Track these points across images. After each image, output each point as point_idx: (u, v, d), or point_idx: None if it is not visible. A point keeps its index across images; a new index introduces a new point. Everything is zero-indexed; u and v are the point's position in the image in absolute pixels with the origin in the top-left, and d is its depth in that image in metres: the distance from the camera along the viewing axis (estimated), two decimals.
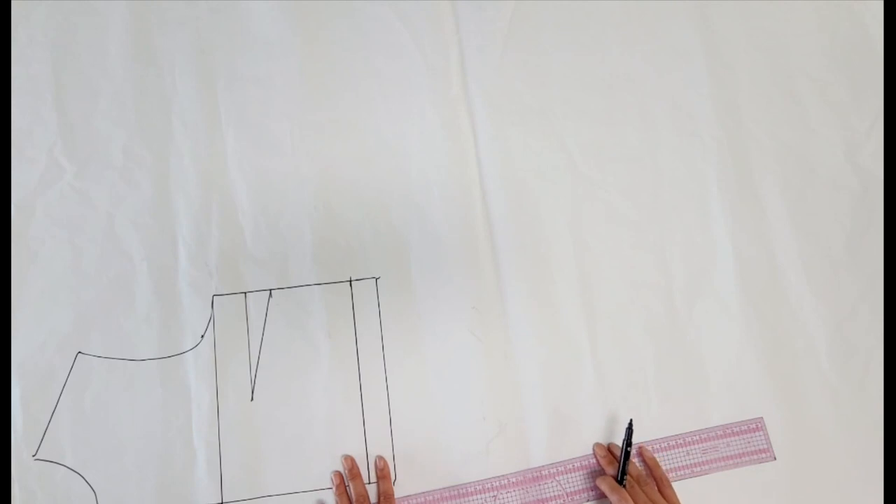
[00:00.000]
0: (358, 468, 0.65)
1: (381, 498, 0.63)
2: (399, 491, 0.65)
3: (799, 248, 0.72)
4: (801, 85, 0.77)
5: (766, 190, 0.74)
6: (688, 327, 0.70)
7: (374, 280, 0.70)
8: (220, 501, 0.64)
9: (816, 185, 0.74)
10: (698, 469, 0.66)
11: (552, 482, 0.66)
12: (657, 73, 0.76)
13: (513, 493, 0.65)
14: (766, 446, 0.67)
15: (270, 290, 0.69)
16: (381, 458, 0.65)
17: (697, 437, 0.67)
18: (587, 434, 0.67)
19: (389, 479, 0.64)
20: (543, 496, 0.65)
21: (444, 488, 0.65)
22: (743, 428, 0.67)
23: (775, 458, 0.66)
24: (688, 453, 0.67)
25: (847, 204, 0.73)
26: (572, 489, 0.66)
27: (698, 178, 0.74)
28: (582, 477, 0.66)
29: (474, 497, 0.65)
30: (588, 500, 0.65)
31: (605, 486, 0.63)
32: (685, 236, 0.72)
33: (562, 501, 0.65)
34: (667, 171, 0.74)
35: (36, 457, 0.64)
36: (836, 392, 0.68)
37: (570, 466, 0.66)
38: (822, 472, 0.67)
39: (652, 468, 0.65)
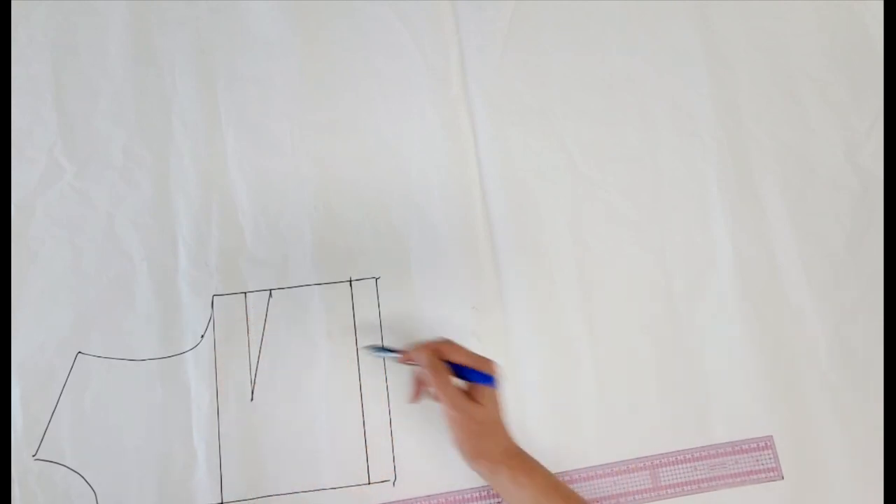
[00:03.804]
0: None
1: None
2: (399, 493, 0.65)
3: (799, 248, 0.72)
4: (801, 85, 0.77)
5: (766, 190, 0.73)
6: (688, 327, 0.70)
7: (374, 280, 0.70)
8: (220, 501, 0.64)
9: (816, 185, 0.74)
10: (705, 485, 0.66)
11: None
12: (657, 74, 0.76)
13: None
14: (774, 465, 0.66)
15: (270, 290, 0.69)
16: None
17: (705, 453, 0.67)
18: (587, 436, 0.67)
19: None
20: None
21: (447, 493, 0.65)
22: (752, 445, 0.67)
23: (783, 478, 0.66)
24: (695, 469, 0.66)
25: (847, 204, 0.73)
26: None
27: (698, 178, 0.74)
28: (587, 488, 0.66)
29: (477, 503, 0.65)
30: None
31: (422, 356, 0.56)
32: (685, 236, 0.72)
33: None
34: (667, 171, 0.74)
35: (36, 457, 0.64)
36: (837, 392, 0.68)
37: (576, 476, 0.66)
38: (823, 476, 0.67)
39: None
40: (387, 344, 0.68)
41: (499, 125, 0.74)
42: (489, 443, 0.54)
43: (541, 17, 0.77)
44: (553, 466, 0.66)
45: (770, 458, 0.67)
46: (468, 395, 0.57)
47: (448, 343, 0.59)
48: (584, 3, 0.78)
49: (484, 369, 0.57)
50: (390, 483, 0.65)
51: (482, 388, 0.57)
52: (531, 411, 0.67)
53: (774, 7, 0.78)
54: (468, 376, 0.58)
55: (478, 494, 0.65)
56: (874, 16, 0.78)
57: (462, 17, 0.77)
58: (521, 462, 0.54)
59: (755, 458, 0.67)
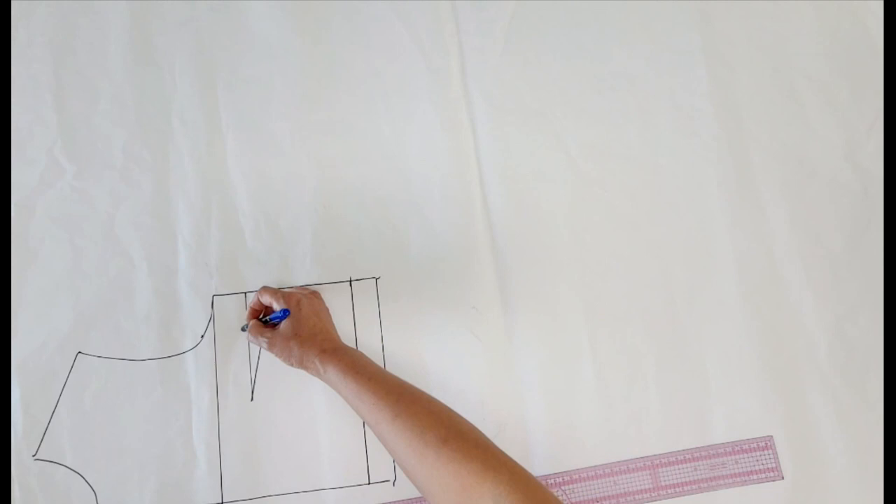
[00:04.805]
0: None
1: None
2: (399, 493, 0.65)
3: (799, 248, 0.72)
4: (801, 85, 0.77)
5: (766, 190, 0.73)
6: (688, 327, 0.70)
7: (374, 280, 0.70)
8: (220, 501, 0.64)
9: (816, 185, 0.74)
10: (705, 485, 0.66)
11: (556, 492, 0.65)
12: (657, 74, 0.76)
13: None
14: (774, 465, 0.66)
15: None
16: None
17: (705, 453, 0.67)
18: (587, 436, 0.67)
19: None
20: None
21: None
22: (752, 445, 0.67)
23: (783, 478, 0.66)
24: (695, 469, 0.66)
25: (847, 204, 0.73)
26: (577, 499, 0.65)
27: (698, 178, 0.74)
28: (587, 488, 0.66)
29: None
30: None
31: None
32: (685, 236, 0.72)
33: None
34: (667, 171, 0.74)
35: (36, 457, 0.64)
36: (837, 392, 0.68)
37: (576, 476, 0.66)
38: (823, 476, 0.67)
39: None
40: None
41: (499, 125, 0.74)
42: (298, 350, 0.62)
43: (541, 17, 0.77)
44: (553, 466, 0.66)
45: (770, 458, 0.67)
46: (274, 328, 0.65)
47: (260, 291, 0.67)
48: (584, 3, 0.78)
49: (283, 304, 0.65)
50: (390, 483, 0.65)
51: (285, 320, 0.65)
52: (531, 411, 0.67)
53: (774, 7, 0.78)
54: (274, 319, 0.65)
55: None
56: (874, 16, 0.78)
57: (462, 17, 0.77)
58: (330, 353, 0.61)
59: (755, 458, 0.67)
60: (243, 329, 0.67)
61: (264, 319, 0.65)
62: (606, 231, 0.72)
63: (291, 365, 0.62)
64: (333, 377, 0.59)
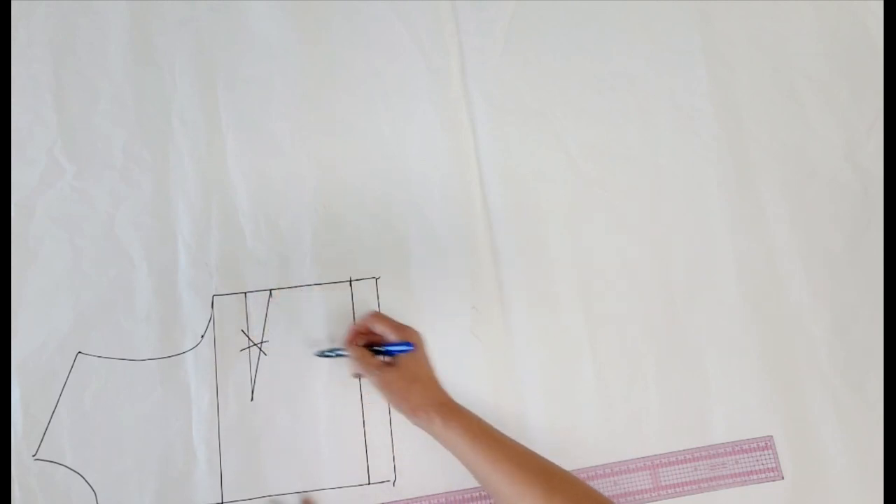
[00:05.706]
0: None
1: None
2: (399, 493, 0.65)
3: (799, 248, 0.72)
4: (801, 85, 0.77)
5: (766, 190, 0.73)
6: (688, 327, 0.70)
7: (374, 280, 0.70)
8: (220, 501, 0.64)
9: (816, 185, 0.74)
10: (705, 485, 0.66)
11: None
12: (657, 74, 0.76)
13: None
14: (774, 465, 0.66)
15: (270, 290, 0.69)
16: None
17: (705, 453, 0.67)
18: (587, 436, 0.67)
19: None
20: None
21: (446, 493, 0.65)
22: (752, 445, 0.67)
23: (783, 478, 0.66)
24: (695, 469, 0.66)
25: (847, 204, 0.73)
26: None
27: (698, 178, 0.74)
28: None
29: (477, 503, 0.65)
30: None
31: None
32: (685, 236, 0.72)
33: None
34: (667, 171, 0.74)
35: (36, 457, 0.64)
36: (837, 392, 0.68)
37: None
38: (823, 476, 0.67)
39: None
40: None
41: (499, 125, 0.74)
42: (417, 397, 0.59)
43: (541, 17, 0.77)
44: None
45: (770, 458, 0.67)
46: (388, 363, 0.63)
47: (372, 317, 0.65)
48: (584, 3, 0.78)
49: (403, 337, 0.63)
50: (390, 483, 0.66)
51: (402, 355, 0.63)
52: (531, 412, 0.67)
53: (774, 7, 0.78)
54: (390, 352, 0.63)
55: (477, 494, 0.65)
56: (874, 16, 0.78)
57: (462, 17, 0.77)
58: (450, 410, 0.59)
59: (755, 458, 0.67)
60: (319, 354, 0.66)
61: (383, 350, 0.63)
62: (606, 231, 0.72)
63: (398, 409, 0.59)
64: (457, 439, 0.57)
